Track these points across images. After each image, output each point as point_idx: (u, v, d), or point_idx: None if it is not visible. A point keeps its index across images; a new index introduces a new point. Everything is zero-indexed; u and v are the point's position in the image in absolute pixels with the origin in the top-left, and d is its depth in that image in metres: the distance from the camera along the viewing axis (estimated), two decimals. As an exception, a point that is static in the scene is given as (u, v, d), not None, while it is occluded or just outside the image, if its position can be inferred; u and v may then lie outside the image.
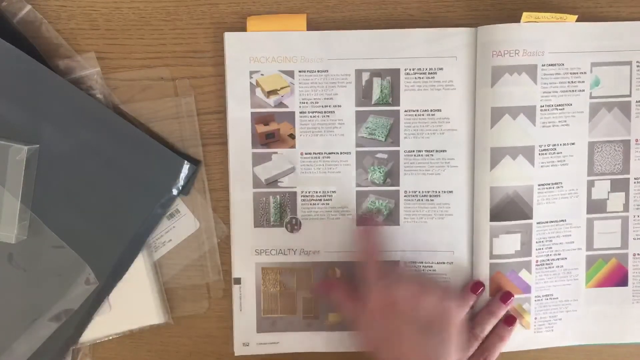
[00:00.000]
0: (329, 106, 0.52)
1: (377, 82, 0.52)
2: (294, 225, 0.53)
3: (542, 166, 0.52)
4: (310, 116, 0.52)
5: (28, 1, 0.50)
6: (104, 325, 0.51)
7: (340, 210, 0.53)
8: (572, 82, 0.51)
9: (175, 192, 0.51)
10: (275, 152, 0.52)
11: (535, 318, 0.53)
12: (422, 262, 0.53)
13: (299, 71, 0.51)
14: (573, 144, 0.52)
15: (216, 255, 0.53)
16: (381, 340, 0.46)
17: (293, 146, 0.52)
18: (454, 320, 0.46)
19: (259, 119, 0.52)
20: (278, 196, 0.52)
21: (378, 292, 0.47)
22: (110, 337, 0.52)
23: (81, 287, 0.50)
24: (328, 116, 0.52)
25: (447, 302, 0.46)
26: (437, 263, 0.53)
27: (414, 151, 0.52)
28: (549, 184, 0.52)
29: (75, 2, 0.51)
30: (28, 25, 0.50)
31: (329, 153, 0.52)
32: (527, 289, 0.52)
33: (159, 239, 0.52)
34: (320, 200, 0.52)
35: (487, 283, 0.52)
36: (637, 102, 0.52)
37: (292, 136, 0.52)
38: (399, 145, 0.52)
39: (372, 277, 0.48)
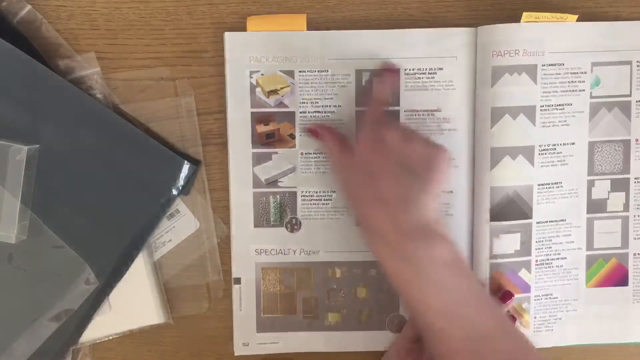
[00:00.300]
0: (329, 106, 0.52)
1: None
2: (294, 225, 0.52)
3: (542, 166, 0.52)
4: (310, 116, 0.52)
5: (28, 1, 0.50)
6: (104, 325, 0.51)
7: (340, 210, 0.53)
8: (572, 82, 0.51)
9: (175, 192, 0.51)
10: (275, 152, 0.52)
11: (535, 317, 0.53)
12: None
13: (299, 71, 0.51)
14: (573, 143, 0.52)
15: (216, 255, 0.53)
16: (363, 178, 0.46)
17: (293, 146, 0.52)
18: (439, 166, 0.45)
19: (259, 118, 0.52)
20: (278, 196, 0.52)
21: (371, 131, 0.47)
22: (110, 337, 0.52)
23: (81, 287, 0.50)
24: (328, 116, 0.52)
25: (435, 149, 0.46)
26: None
27: (414, 151, 0.52)
28: (548, 184, 0.52)
29: (75, 2, 0.51)
30: (28, 25, 0.50)
31: (329, 153, 0.52)
32: (526, 288, 0.52)
33: (159, 239, 0.52)
34: (320, 200, 0.52)
35: (486, 282, 0.52)
36: (637, 101, 0.52)
37: (292, 136, 0.52)
38: (399, 145, 0.52)
39: (369, 118, 0.49)
